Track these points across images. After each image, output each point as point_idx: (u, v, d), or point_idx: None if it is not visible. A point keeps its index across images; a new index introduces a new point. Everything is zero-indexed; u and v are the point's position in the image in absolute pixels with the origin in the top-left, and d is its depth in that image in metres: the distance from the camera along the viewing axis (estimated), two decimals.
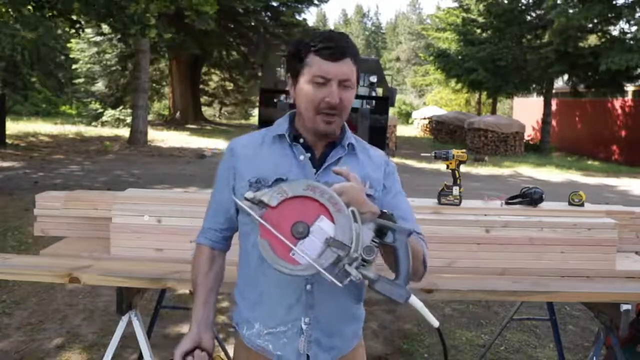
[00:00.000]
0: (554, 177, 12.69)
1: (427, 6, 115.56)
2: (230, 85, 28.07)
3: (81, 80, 24.80)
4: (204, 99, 27.95)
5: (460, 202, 2.50)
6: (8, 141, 13.31)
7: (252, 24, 21.50)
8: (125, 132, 17.01)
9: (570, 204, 2.58)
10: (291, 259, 1.06)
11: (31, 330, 3.40)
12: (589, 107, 19.89)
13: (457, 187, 2.51)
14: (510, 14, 18.34)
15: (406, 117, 31.99)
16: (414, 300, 1.09)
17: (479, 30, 20.03)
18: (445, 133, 21.42)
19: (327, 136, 1.31)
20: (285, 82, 1.98)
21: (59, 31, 23.81)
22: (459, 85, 22.04)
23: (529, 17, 19.11)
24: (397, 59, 55.35)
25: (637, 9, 15.08)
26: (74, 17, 10.77)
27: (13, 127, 16.35)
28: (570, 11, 15.59)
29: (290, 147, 1.31)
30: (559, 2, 16.22)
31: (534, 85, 19.21)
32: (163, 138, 16.95)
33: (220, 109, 30.53)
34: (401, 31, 60.37)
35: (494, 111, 24.35)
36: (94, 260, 2.20)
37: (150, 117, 21.45)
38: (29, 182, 8.61)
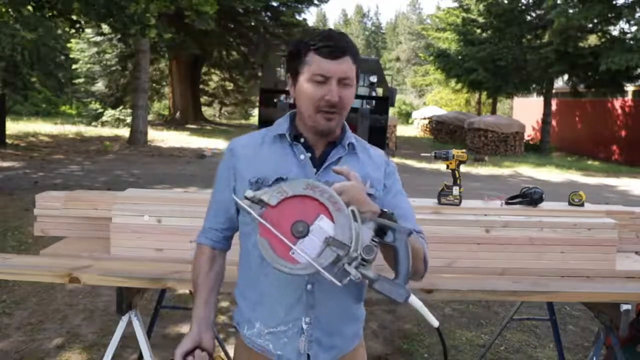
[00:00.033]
0: (554, 177, 12.69)
1: (427, 6, 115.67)
2: (230, 85, 28.08)
3: (81, 80, 24.80)
4: (204, 99, 27.95)
5: (460, 202, 2.50)
6: (8, 141, 13.32)
7: (252, 24, 21.50)
8: (125, 132, 17.02)
9: (570, 204, 2.58)
10: (291, 258, 1.06)
11: (31, 330, 3.40)
12: (589, 107, 19.89)
13: (457, 187, 2.51)
14: (510, 14, 18.34)
15: (406, 117, 31.99)
16: (414, 300, 1.09)
17: (479, 30, 20.03)
18: (445, 133, 21.42)
19: (328, 134, 1.31)
20: (285, 82, 1.98)
21: (59, 31, 23.81)
22: (459, 85, 22.05)
23: (529, 17, 19.11)
24: (397, 59, 55.35)
25: (637, 9, 15.08)
26: (74, 17, 10.77)
27: (13, 127, 16.35)
28: (570, 11, 15.59)
29: (290, 146, 1.31)
30: (559, 2, 16.22)
31: (534, 85, 19.21)
32: (163, 138, 16.95)
33: (220, 109, 30.53)
34: (401, 31, 60.37)
35: (494, 111, 24.35)
36: (94, 260, 2.20)
37: (150, 117, 21.45)
38: (29, 182, 8.61)
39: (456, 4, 23.18)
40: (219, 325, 3.48)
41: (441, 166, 9.02)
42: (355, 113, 5.33)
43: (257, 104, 7.63)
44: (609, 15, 15.71)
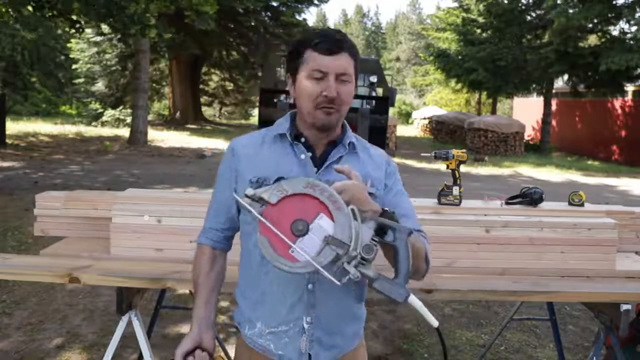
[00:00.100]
0: (554, 177, 12.69)
1: (427, 6, 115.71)
2: (230, 85, 28.08)
3: (81, 80, 24.80)
4: (204, 99, 27.95)
5: (460, 202, 2.50)
6: (8, 141, 13.32)
7: (252, 24, 21.50)
8: (125, 132, 17.02)
9: (570, 204, 2.58)
10: (290, 256, 1.06)
11: (31, 330, 3.40)
12: (589, 107, 19.89)
13: (457, 187, 2.51)
14: (510, 14, 18.34)
15: (406, 117, 31.99)
16: (413, 300, 1.09)
17: (479, 30, 20.02)
18: (445, 133, 21.42)
19: (328, 130, 1.31)
20: (285, 82, 1.99)
21: (59, 31, 23.81)
22: (459, 85, 22.04)
23: (529, 17, 19.11)
24: (397, 59, 55.35)
25: (637, 9, 15.08)
26: (74, 17, 10.76)
27: (13, 127, 16.35)
28: (570, 11, 15.59)
29: (291, 146, 1.32)
30: (559, 2, 16.22)
31: (534, 85, 19.21)
32: (163, 138, 16.95)
33: (220, 109, 30.53)
34: (401, 31, 60.36)
35: (494, 111, 24.35)
36: (94, 260, 2.20)
37: (150, 117, 21.45)
38: (29, 182, 8.61)
39: (456, 4, 23.18)
40: (219, 325, 3.48)
41: (441, 166, 9.03)
42: (355, 113, 5.33)
43: (257, 104, 7.63)
44: (609, 15, 15.71)
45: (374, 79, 5.75)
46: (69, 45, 24.44)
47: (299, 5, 22.40)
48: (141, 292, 2.16)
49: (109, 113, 20.50)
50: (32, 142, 14.32)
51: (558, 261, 2.30)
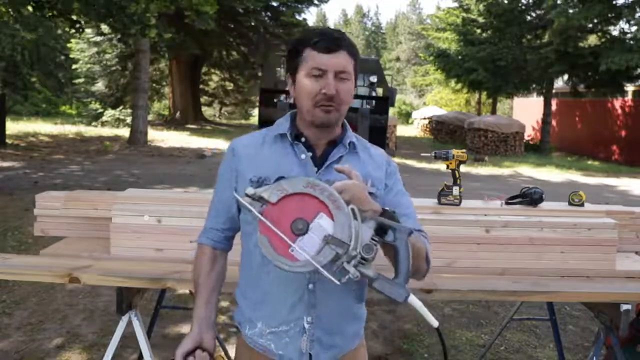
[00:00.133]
0: (554, 177, 12.69)
1: (427, 6, 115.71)
2: (230, 85, 28.08)
3: (81, 80, 24.80)
4: (204, 99, 27.94)
5: (460, 202, 2.50)
6: (8, 141, 13.32)
7: (252, 24, 21.49)
8: (125, 132, 17.02)
9: (570, 204, 2.58)
10: (290, 255, 1.07)
11: (31, 330, 3.40)
12: (589, 107, 19.89)
13: (457, 187, 2.51)
14: (510, 14, 18.34)
15: (406, 117, 31.99)
16: (413, 300, 1.09)
17: (479, 30, 20.02)
18: (445, 133, 21.42)
19: (327, 127, 1.31)
20: (285, 82, 1.99)
21: (59, 31, 23.81)
22: (459, 85, 22.04)
23: (529, 17, 19.11)
24: (397, 59, 55.35)
25: (637, 9, 15.08)
26: (74, 17, 10.77)
27: (13, 127, 16.35)
28: (570, 11, 15.59)
29: (291, 146, 1.32)
30: (559, 2, 16.22)
31: (534, 85, 19.21)
32: (163, 138, 16.95)
33: (220, 109, 30.53)
34: (401, 31, 60.36)
35: (494, 111, 24.35)
36: (94, 260, 2.20)
37: (150, 117, 21.45)
38: (29, 182, 8.61)
39: (456, 4, 23.18)
40: (219, 325, 3.48)
41: (441, 166, 9.02)
42: (355, 113, 5.34)
43: (257, 104, 7.63)
44: (609, 15, 15.71)
45: (374, 79, 5.75)
46: (69, 45, 24.44)
47: (299, 5, 22.39)
48: (141, 292, 2.16)
49: (109, 113, 20.50)
50: (32, 142, 14.32)
51: (558, 261, 2.30)
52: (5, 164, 10.46)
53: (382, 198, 1.33)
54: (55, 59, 27.17)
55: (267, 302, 1.29)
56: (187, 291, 3.56)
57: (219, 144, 15.85)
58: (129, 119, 17.78)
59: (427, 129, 24.50)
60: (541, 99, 19.79)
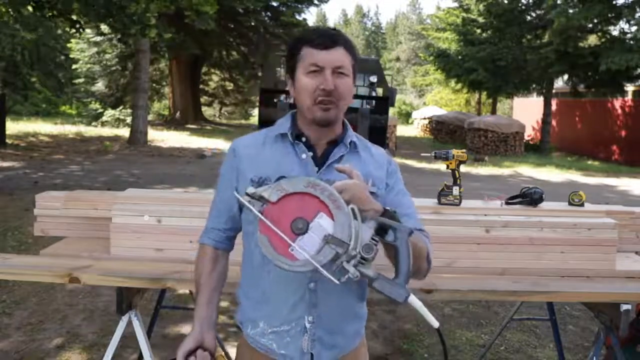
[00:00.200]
0: (554, 177, 12.69)
1: (427, 6, 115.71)
2: (230, 85, 28.08)
3: (81, 80, 24.80)
4: (204, 99, 27.95)
5: (460, 202, 2.50)
6: (8, 141, 13.32)
7: (252, 24, 21.49)
8: (125, 132, 17.02)
9: (570, 204, 2.58)
10: (290, 254, 1.07)
11: (31, 330, 3.40)
12: (589, 107, 19.89)
13: (457, 187, 2.51)
14: (510, 14, 18.34)
15: (406, 117, 31.98)
16: (413, 300, 1.09)
17: (479, 30, 20.02)
18: (445, 133, 21.42)
19: (327, 125, 1.30)
20: (285, 82, 1.99)
21: (59, 31, 23.81)
22: (459, 85, 22.04)
23: (529, 17, 19.11)
24: (397, 59, 55.34)
25: (637, 9, 15.08)
26: (74, 17, 10.77)
27: (13, 127, 16.35)
28: (570, 11, 15.59)
29: (292, 145, 1.32)
30: (559, 2, 16.22)
31: (534, 85, 19.21)
32: (163, 138, 16.95)
33: (220, 109, 30.53)
34: (401, 31, 60.35)
35: (494, 111, 24.35)
36: (94, 260, 2.20)
37: (150, 117, 21.45)
38: (29, 182, 8.61)
39: (456, 4, 23.18)
40: (219, 325, 3.48)
41: (441, 166, 9.02)
42: (355, 113, 5.33)
43: (257, 104, 7.62)
44: (609, 15, 15.71)
45: (374, 79, 5.74)
46: (69, 45, 24.44)
47: (299, 5, 22.39)
48: (141, 292, 2.16)
49: (109, 113, 20.50)
50: (32, 142, 14.32)
51: (558, 261, 2.30)
52: (5, 164, 10.46)
53: (383, 197, 1.33)
54: (55, 59, 27.17)
55: (268, 301, 1.29)
56: (187, 291, 3.56)
57: (219, 144, 15.85)
58: (129, 119, 17.78)
59: (427, 129, 24.50)
60: (541, 99, 19.78)
